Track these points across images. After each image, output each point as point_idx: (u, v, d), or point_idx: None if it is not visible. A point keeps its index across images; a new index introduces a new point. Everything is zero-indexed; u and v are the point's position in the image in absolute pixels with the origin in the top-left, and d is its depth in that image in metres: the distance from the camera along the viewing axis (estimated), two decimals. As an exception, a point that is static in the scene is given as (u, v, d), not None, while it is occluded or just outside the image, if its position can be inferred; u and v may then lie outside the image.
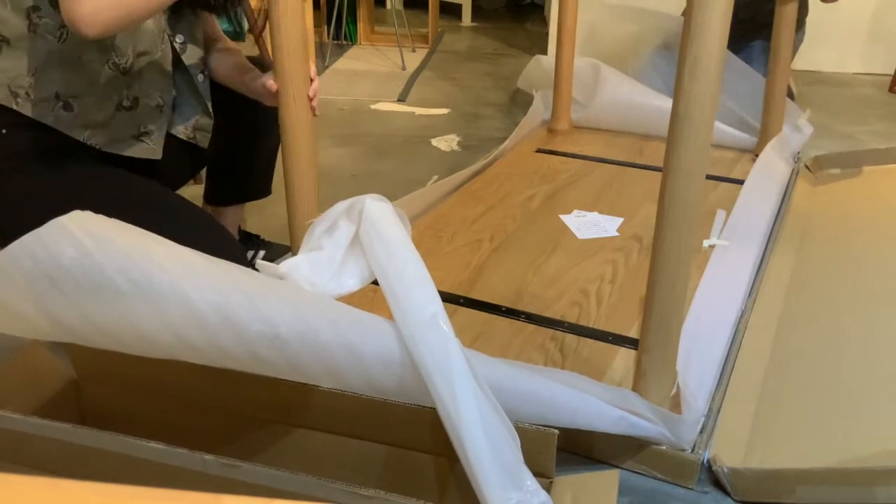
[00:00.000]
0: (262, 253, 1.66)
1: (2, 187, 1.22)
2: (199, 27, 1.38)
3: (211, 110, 1.40)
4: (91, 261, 0.80)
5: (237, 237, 1.65)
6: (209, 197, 1.60)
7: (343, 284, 1.22)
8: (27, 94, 1.19)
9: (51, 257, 0.79)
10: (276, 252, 1.67)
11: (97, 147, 1.26)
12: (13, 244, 0.80)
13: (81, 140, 1.24)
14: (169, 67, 1.32)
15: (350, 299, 0.98)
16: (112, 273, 0.80)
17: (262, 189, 1.60)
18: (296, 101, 1.20)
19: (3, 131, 1.21)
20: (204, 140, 1.41)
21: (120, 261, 0.80)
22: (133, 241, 0.83)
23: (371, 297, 1.34)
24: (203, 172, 1.60)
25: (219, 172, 1.56)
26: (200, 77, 1.38)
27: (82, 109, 1.23)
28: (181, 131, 1.38)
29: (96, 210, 1.17)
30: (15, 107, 1.19)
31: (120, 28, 1.12)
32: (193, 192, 1.69)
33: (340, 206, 1.17)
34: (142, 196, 1.28)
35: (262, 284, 0.89)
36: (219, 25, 1.48)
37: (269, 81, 1.24)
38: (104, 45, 1.21)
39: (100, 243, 0.80)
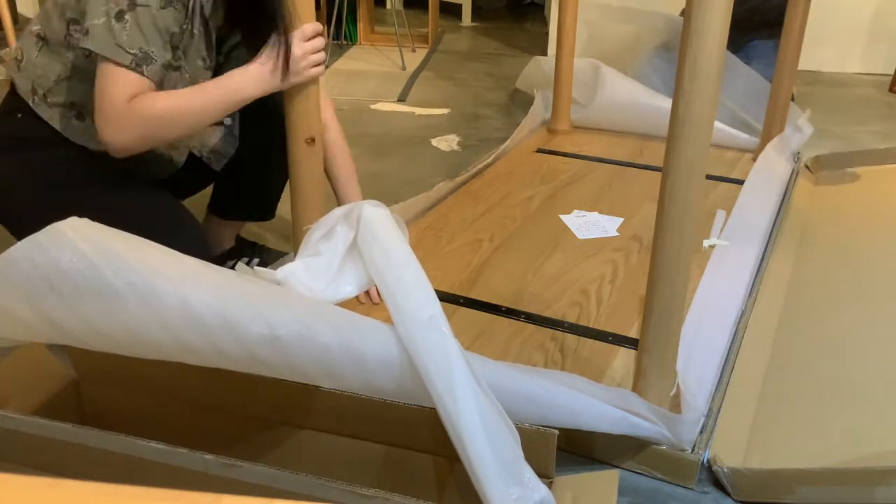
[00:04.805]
0: (256, 260, 1.65)
1: (2, 164, 1.24)
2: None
3: (237, 140, 1.40)
4: (89, 264, 0.80)
5: (234, 244, 1.64)
6: (212, 206, 1.59)
7: (341, 290, 1.22)
8: (44, 96, 1.21)
9: (49, 261, 0.79)
10: (273, 258, 1.66)
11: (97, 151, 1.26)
12: (12, 248, 0.80)
13: (89, 148, 1.24)
14: None
15: (351, 300, 0.99)
16: (110, 276, 0.80)
17: (267, 214, 1.58)
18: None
19: (18, 115, 1.24)
20: (218, 163, 1.41)
21: (118, 264, 0.80)
22: (130, 246, 0.83)
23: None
24: None
25: (227, 187, 1.54)
26: (228, 120, 1.39)
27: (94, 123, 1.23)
28: (196, 147, 1.38)
29: (80, 195, 1.18)
30: (31, 104, 1.22)
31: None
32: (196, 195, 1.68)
33: (338, 211, 1.17)
34: (127, 188, 1.27)
35: (261, 288, 0.89)
36: None
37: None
38: None
39: (97, 247, 0.81)
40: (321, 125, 1.24)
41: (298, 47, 1.16)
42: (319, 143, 1.24)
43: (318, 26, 1.19)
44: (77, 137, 1.24)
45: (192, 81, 1.22)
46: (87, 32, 1.09)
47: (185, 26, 1.17)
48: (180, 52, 1.20)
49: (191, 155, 1.38)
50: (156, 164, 1.34)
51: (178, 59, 1.20)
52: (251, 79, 1.16)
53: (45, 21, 1.21)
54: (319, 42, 1.19)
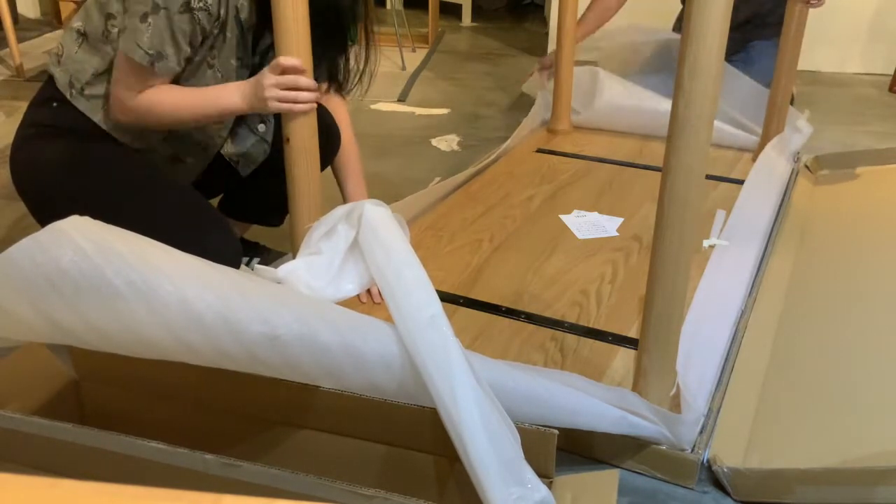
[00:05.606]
0: (256, 259, 1.65)
1: (35, 148, 1.29)
2: None
3: (268, 147, 1.41)
4: (90, 263, 0.80)
5: None
6: (223, 204, 1.59)
7: (341, 289, 1.23)
8: (82, 89, 1.27)
9: (50, 260, 0.80)
10: (273, 258, 1.65)
11: (131, 147, 1.31)
12: (12, 248, 0.80)
13: (117, 138, 1.29)
14: (229, 121, 1.35)
15: (352, 299, 0.99)
16: (111, 275, 0.80)
17: (277, 221, 1.57)
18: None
19: (54, 104, 1.29)
20: (246, 168, 1.42)
21: (118, 263, 0.80)
22: (131, 245, 0.83)
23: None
24: None
25: (244, 190, 1.52)
26: (262, 127, 1.40)
27: None
28: (227, 150, 1.39)
29: (107, 189, 1.26)
30: (69, 97, 1.27)
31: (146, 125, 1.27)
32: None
33: (339, 210, 1.17)
34: (155, 186, 1.31)
35: (261, 287, 0.89)
36: None
37: None
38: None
39: (98, 246, 0.81)
40: (308, 127, 1.23)
41: (267, 78, 1.16)
42: (300, 143, 1.23)
43: (295, 63, 1.15)
44: (108, 126, 1.29)
45: (225, 79, 1.29)
46: (123, 30, 1.20)
47: (214, 29, 1.22)
48: (215, 51, 1.25)
49: (217, 156, 1.39)
50: (188, 168, 1.37)
51: (213, 57, 1.26)
52: (235, 91, 1.22)
53: (85, 17, 1.27)
54: (292, 80, 1.16)
